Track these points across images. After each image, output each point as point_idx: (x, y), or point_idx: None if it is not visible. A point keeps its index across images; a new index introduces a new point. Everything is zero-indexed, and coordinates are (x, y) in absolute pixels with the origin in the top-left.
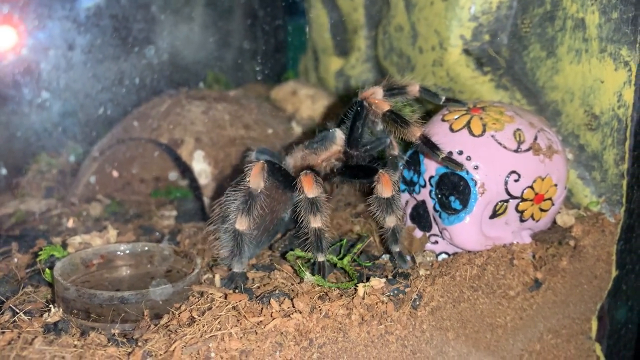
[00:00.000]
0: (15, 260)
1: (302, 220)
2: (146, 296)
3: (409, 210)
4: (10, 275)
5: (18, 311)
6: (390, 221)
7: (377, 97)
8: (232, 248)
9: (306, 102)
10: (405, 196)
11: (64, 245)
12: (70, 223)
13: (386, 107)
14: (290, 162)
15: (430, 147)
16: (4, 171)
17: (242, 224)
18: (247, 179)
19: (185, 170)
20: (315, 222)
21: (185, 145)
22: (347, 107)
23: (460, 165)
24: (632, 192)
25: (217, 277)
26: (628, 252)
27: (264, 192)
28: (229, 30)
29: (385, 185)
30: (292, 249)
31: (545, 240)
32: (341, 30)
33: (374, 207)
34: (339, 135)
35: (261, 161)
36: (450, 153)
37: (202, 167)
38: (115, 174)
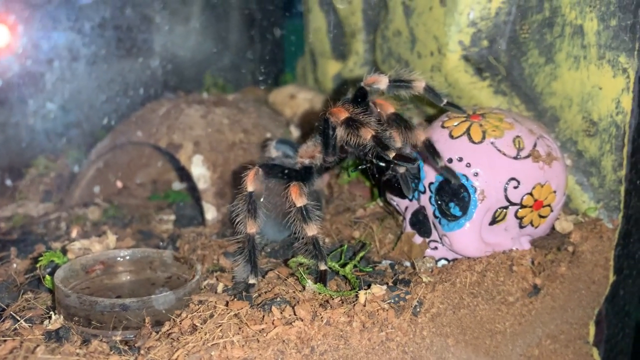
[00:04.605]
0: (14, 265)
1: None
2: (148, 303)
3: (408, 216)
4: (10, 281)
5: (19, 319)
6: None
7: (382, 87)
8: (246, 256)
9: (304, 106)
10: (404, 202)
11: (64, 251)
12: (74, 233)
13: (391, 109)
14: (300, 151)
15: (432, 153)
16: (1, 174)
17: (251, 227)
18: (244, 185)
19: (184, 174)
20: (310, 230)
21: (184, 150)
22: (353, 94)
23: (457, 178)
24: (629, 198)
25: (221, 286)
26: (625, 257)
27: (265, 194)
28: (227, 34)
29: None
30: (293, 256)
31: (544, 247)
32: (339, 33)
33: None
34: None
35: (255, 167)
36: (451, 160)
37: (200, 172)
38: (113, 177)
